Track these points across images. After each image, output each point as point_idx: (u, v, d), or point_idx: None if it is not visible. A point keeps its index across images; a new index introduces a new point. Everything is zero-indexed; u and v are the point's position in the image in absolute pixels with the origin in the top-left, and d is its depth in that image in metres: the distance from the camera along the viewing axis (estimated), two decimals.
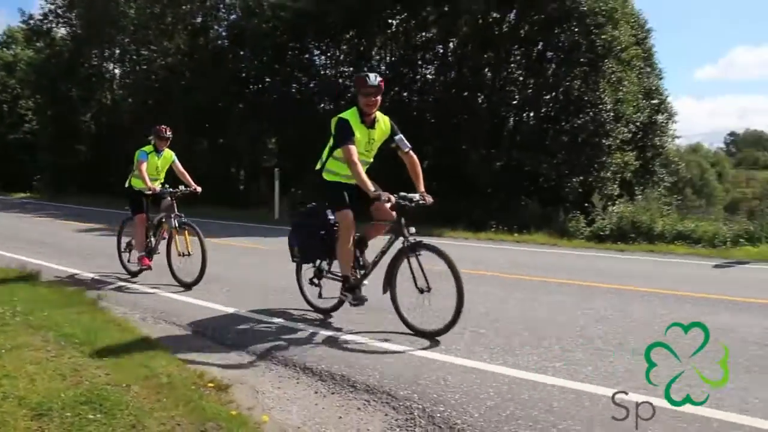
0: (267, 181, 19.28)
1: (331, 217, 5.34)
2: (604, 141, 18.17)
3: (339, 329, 5.19)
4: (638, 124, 21.17)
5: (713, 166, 61.87)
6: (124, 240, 8.01)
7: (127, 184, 7.75)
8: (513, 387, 3.78)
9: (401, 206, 4.93)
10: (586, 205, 16.67)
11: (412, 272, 4.91)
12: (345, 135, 5.05)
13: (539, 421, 3.25)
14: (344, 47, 22.48)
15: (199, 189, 7.52)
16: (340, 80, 22.73)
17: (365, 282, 5.32)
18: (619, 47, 18.62)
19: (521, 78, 19.35)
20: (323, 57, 23.57)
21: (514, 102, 19.01)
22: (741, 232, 12.67)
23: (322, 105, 22.85)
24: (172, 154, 7.76)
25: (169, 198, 7.28)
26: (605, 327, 5.33)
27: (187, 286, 6.96)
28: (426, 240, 5.02)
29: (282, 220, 16.67)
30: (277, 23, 22.56)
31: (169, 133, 7.57)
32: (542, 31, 18.59)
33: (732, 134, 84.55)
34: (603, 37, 17.97)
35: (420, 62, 21.20)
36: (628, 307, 6.28)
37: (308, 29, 21.80)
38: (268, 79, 23.94)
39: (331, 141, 5.24)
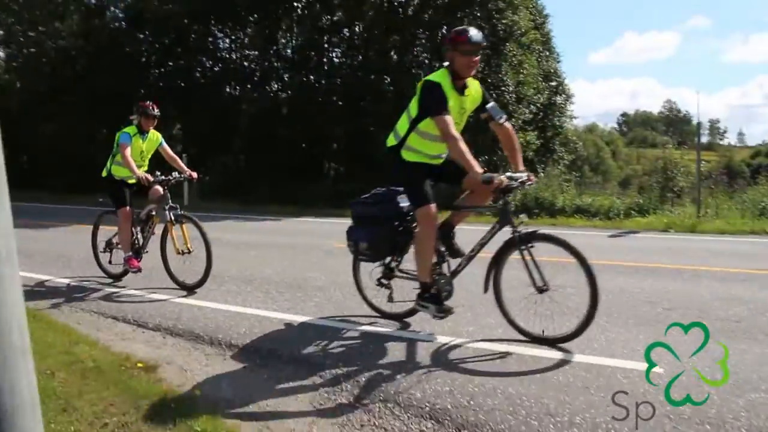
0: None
1: (404, 203, 4.49)
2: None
3: (265, 307, 5.30)
4: (538, 105, 22.20)
5: (608, 144, 65.34)
6: (102, 239, 6.83)
7: (105, 173, 6.55)
8: (432, 350, 4.07)
9: (508, 189, 4.08)
10: None
11: (528, 268, 4.10)
12: (440, 103, 4.08)
13: (456, 377, 3.55)
14: (249, 30, 22.16)
15: (195, 174, 6.48)
16: (245, 63, 22.42)
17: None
18: (519, 31, 19.48)
19: (427, 61, 19.79)
20: (227, 40, 23.15)
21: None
22: (632, 205, 13.69)
23: (228, 89, 22.50)
24: (159, 135, 6.66)
25: (159, 187, 6.24)
26: (513, 294, 5.71)
27: (190, 289, 5.96)
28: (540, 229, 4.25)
29: (192, 206, 16.36)
30: (177, 6, 21.93)
31: (156, 111, 6.43)
32: (446, 15, 19.09)
33: (624, 115, 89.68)
34: (504, 21, 18.76)
35: (327, 45, 21.24)
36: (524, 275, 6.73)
37: (211, 12, 21.34)
38: (170, 63, 23.25)
39: (413, 110, 4.29)
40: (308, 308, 5.25)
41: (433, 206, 4.18)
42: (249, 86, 22.06)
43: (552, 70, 25.84)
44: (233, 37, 22.91)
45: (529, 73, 20.37)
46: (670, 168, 14.99)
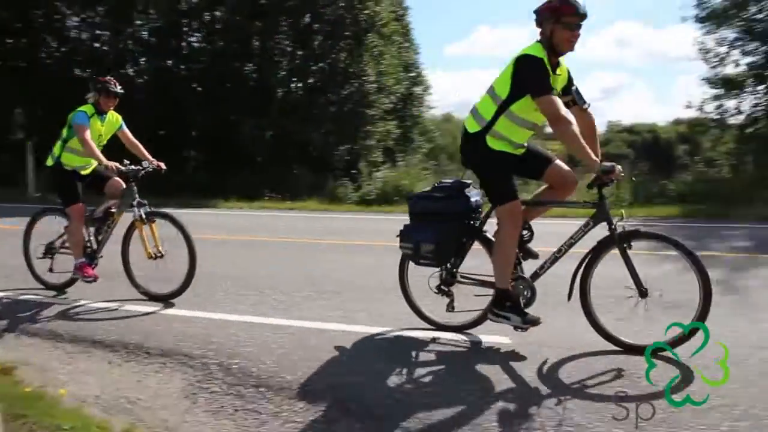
0: (15, 156, 17.35)
1: (475, 198, 4.05)
2: (368, 111, 19.48)
3: (130, 301, 5.18)
4: (398, 95, 22.89)
5: None
6: (39, 243, 5.73)
7: (51, 162, 5.45)
8: (300, 336, 4.23)
9: (605, 182, 3.68)
10: (353, 171, 17.78)
11: (630, 270, 3.66)
12: (544, 80, 3.60)
13: (323, 359, 3.74)
14: (100, 9, 20.84)
15: (163, 165, 5.45)
16: (96, 44, 21.11)
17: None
18: (380, 22, 19.96)
19: (289, 49, 19.76)
20: (76, 19, 21.58)
21: (283, 72, 19.40)
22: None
23: (78, 72, 21.05)
24: (120, 117, 5.57)
25: (119, 179, 5.33)
26: (375, 278, 6.03)
27: (163, 299, 5.17)
28: (640, 226, 3.95)
29: (35, 199, 15.28)
30: None
31: (119, 88, 5.39)
32: (309, 3, 19.13)
33: None
34: (366, 12, 19.14)
35: (186, 29, 20.52)
36: (393, 261, 7.09)
37: None
38: (10, 41, 21.32)
39: (503, 90, 3.75)
40: (175, 300, 5.21)
41: (519, 202, 3.83)
42: (101, 69, 20.77)
43: (411, 62, 26.73)
44: (83, 16, 21.42)
45: (390, 63, 21.01)
46: None
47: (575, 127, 3.56)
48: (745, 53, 15.79)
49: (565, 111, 3.61)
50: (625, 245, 3.68)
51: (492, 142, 3.82)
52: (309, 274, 6.27)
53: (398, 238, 4.17)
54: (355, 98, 19.20)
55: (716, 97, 16.20)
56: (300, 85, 20.08)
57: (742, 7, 15.66)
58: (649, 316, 3.70)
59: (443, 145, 34.81)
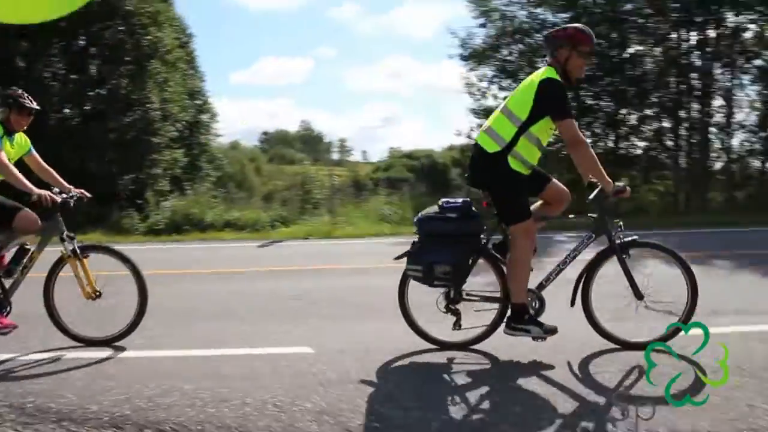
0: None
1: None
2: (153, 139, 18.80)
3: None
4: (185, 122, 22.36)
5: (251, 161, 67.97)
6: None
7: None
8: (99, 366, 4.17)
9: (605, 197, 3.93)
10: (140, 201, 17.03)
11: (628, 276, 3.98)
12: (567, 104, 3.86)
13: (131, 386, 3.72)
14: None
15: (87, 193, 4.88)
16: None
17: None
18: (164, 49, 19.43)
19: (63, 71, 18.45)
20: None
21: (56, 98, 18.01)
22: (277, 217, 14.98)
23: None
24: (28, 140, 4.91)
25: (30, 211, 4.58)
26: (174, 304, 6.03)
27: (103, 343, 4.61)
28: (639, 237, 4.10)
29: None
30: None
31: (35, 103, 4.68)
32: (84, 25, 18.03)
33: (265, 133, 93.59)
34: (148, 38, 18.53)
35: None
36: (190, 287, 7.12)
37: None
38: None
39: (521, 111, 3.89)
40: None
41: (533, 220, 4.01)
42: None
43: (197, 89, 26.24)
44: None
45: (175, 90, 20.48)
46: (308, 182, 16.81)
47: (592, 150, 3.87)
48: (501, 88, 18.12)
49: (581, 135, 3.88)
50: (623, 254, 3.99)
51: (513, 163, 3.95)
52: (99, 305, 6.03)
53: (405, 259, 4.14)
54: (138, 126, 18.37)
55: (480, 126, 18.28)
56: (76, 111, 18.76)
57: (495, 49, 18.05)
58: (645, 316, 3.98)
59: (231, 173, 34.56)
